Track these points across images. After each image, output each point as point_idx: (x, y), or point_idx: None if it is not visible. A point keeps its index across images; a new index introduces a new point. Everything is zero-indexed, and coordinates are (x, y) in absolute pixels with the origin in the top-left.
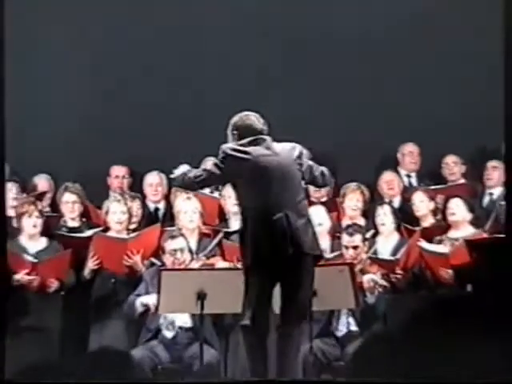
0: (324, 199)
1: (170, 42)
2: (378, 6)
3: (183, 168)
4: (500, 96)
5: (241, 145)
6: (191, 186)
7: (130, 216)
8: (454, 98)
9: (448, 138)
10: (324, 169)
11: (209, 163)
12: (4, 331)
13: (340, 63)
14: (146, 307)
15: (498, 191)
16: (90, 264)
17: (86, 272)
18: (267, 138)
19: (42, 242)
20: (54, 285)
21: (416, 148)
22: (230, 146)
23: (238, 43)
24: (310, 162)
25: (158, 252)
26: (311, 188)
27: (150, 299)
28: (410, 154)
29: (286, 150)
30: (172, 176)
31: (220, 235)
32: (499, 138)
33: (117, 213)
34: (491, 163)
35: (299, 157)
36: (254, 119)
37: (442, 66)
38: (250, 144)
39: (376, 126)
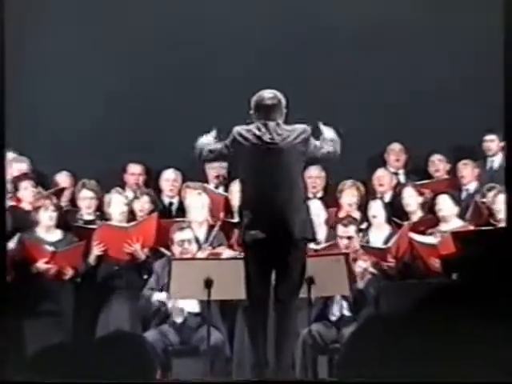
0: (320, 194)
1: (181, 41)
2: (375, 5)
3: (206, 139)
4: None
5: (247, 129)
6: (205, 157)
7: (132, 209)
8: (440, 100)
9: (433, 138)
10: (327, 148)
11: (221, 143)
12: (4, 332)
13: (332, 64)
14: (163, 304)
15: (472, 186)
16: (95, 251)
17: (92, 258)
18: (274, 122)
19: (57, 234)
20: (69, 273)
21: (398, 146)
22: (238, 128)
23: (247, 43)
24: (317, 143)
25: (166, 242)
26: (310, 184)
27: (163, 296)
28: (393, 152)
29: (290, 136)
30: (196, 143)
31: (219, 223)
32: (478, 138)
33: (118, 204)
34: (462, 161)
35: (305, 141)
36: (266, 97)
37: (430, 71)
38: (257, 127)
39: (371, 126)
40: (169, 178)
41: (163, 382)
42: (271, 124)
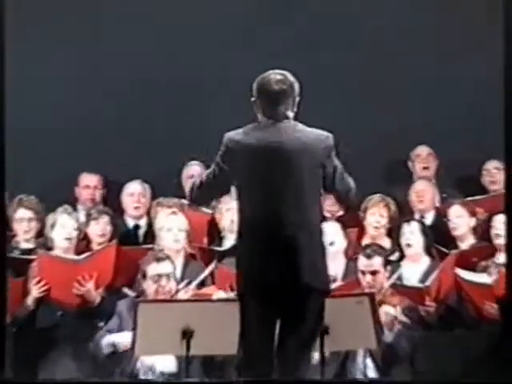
0: (340, 213)
1: (152, 45)
2: (391, 6)
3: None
4: None
5: (243, 132)
6: (204, 198)
7: (85, 235)
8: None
9: (487, 139)
10: (351, 182)
11: (212, 166)
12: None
13: (354, 66)
14: (114, 348)
15: None
16: (34, 291)
17: (30, 301)
18: (283, 122)
19: None
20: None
21: (426, 150)
22: (230, 134)
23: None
24: (339, 165)
25: (131, 277)
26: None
27: (120, 338)
28: (418, 158)
29: (307, 140)
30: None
31: (213, 265)
32: None
33: (65, 227)
34: None
35: (327, 151)
36: (272, 79)
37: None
38: (259, 128)
39: (406, 130)
40: (134, 193)
41: (162, 381)
42: (280, 123)
